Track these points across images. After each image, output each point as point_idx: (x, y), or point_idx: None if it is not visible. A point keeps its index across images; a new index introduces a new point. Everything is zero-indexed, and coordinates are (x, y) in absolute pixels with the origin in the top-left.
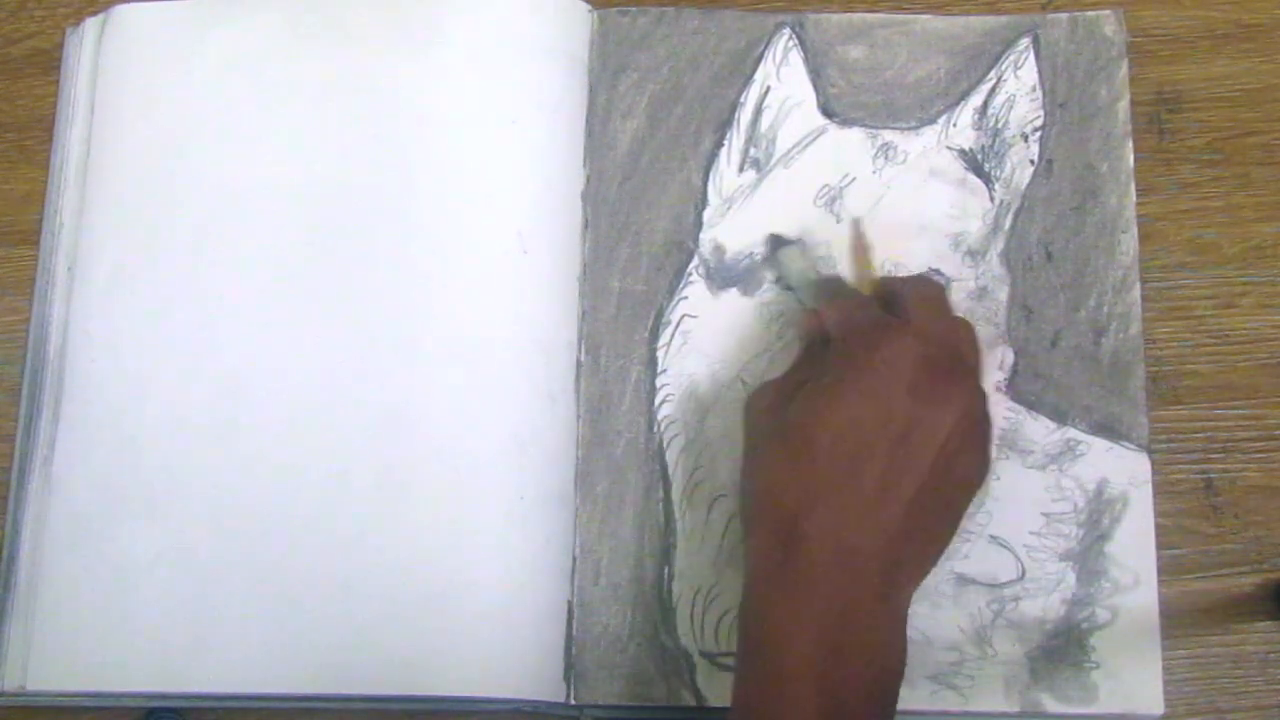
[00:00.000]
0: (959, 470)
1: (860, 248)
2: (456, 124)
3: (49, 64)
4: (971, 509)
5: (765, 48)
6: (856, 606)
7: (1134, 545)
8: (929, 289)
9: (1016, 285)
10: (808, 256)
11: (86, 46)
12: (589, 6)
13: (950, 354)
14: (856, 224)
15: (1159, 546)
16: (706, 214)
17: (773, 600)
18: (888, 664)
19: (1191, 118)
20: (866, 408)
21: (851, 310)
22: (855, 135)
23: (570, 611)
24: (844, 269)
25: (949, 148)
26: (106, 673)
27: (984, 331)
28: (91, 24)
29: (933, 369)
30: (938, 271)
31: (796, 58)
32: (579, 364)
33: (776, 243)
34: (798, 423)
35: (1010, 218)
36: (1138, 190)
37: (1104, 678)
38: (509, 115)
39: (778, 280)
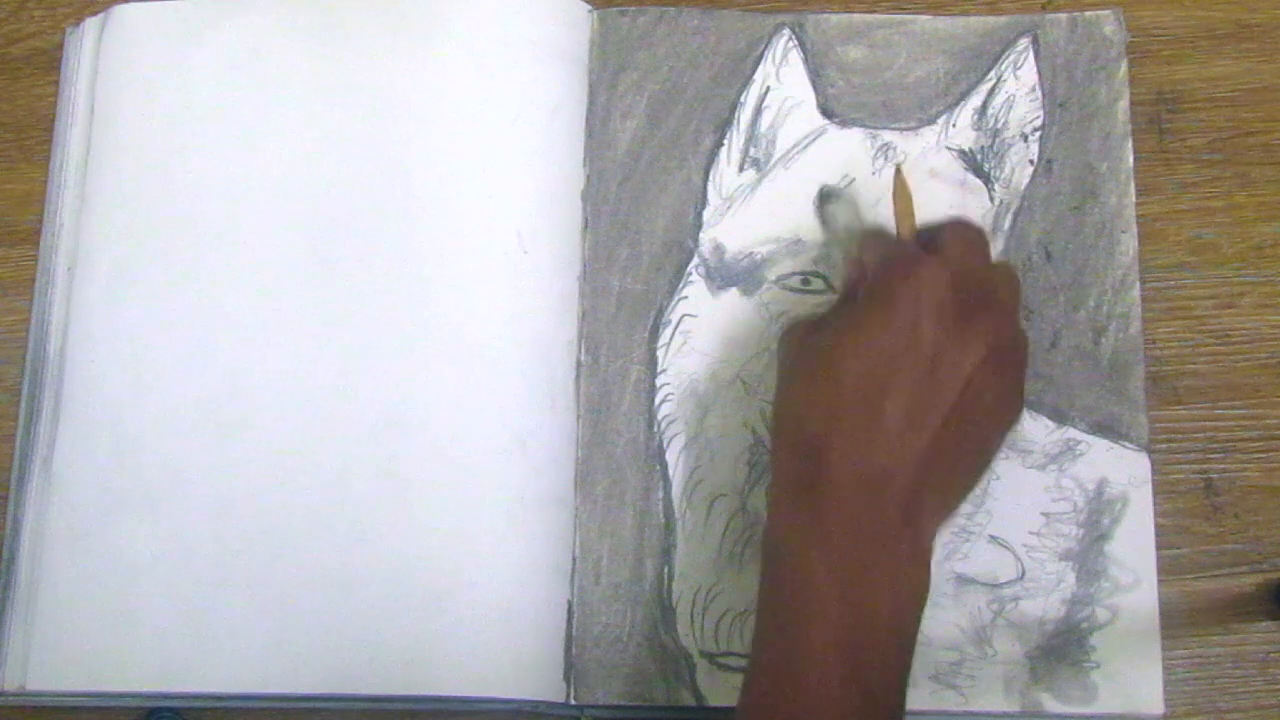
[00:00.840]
0: (987, 402)
1: (901, 195)
2: (456, 124)
3: (49, 64)
4: (971, 509)
5: (765, 48)
6: (879, 530)
7: (1134, 545)
8: (968, 230)
9: None
10: (855, 209)
11: (86, 46)
12: (589, 6)
13: (981, 288)
14: (898, 171)
15: (1159, 546)
16: (706, 214)
17: (797, 525)
18: (910, 590)
19: (1191, 118)
20: (894, 336)
21: (888, 247)
22: (855, 135)
23: (570, 611)
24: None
25: (949, 148)
26: (106, 673)
27: None
28: (91, 24)
29: (963, 301)
30: None
31: (796, 58)
32: (579, 364)
33: (826, 195)
34: (825, 349)
35: (1010, 218)
36: (1138, 190)
37: (1104, 678)
38: (509, 115)
39: (825, 233)
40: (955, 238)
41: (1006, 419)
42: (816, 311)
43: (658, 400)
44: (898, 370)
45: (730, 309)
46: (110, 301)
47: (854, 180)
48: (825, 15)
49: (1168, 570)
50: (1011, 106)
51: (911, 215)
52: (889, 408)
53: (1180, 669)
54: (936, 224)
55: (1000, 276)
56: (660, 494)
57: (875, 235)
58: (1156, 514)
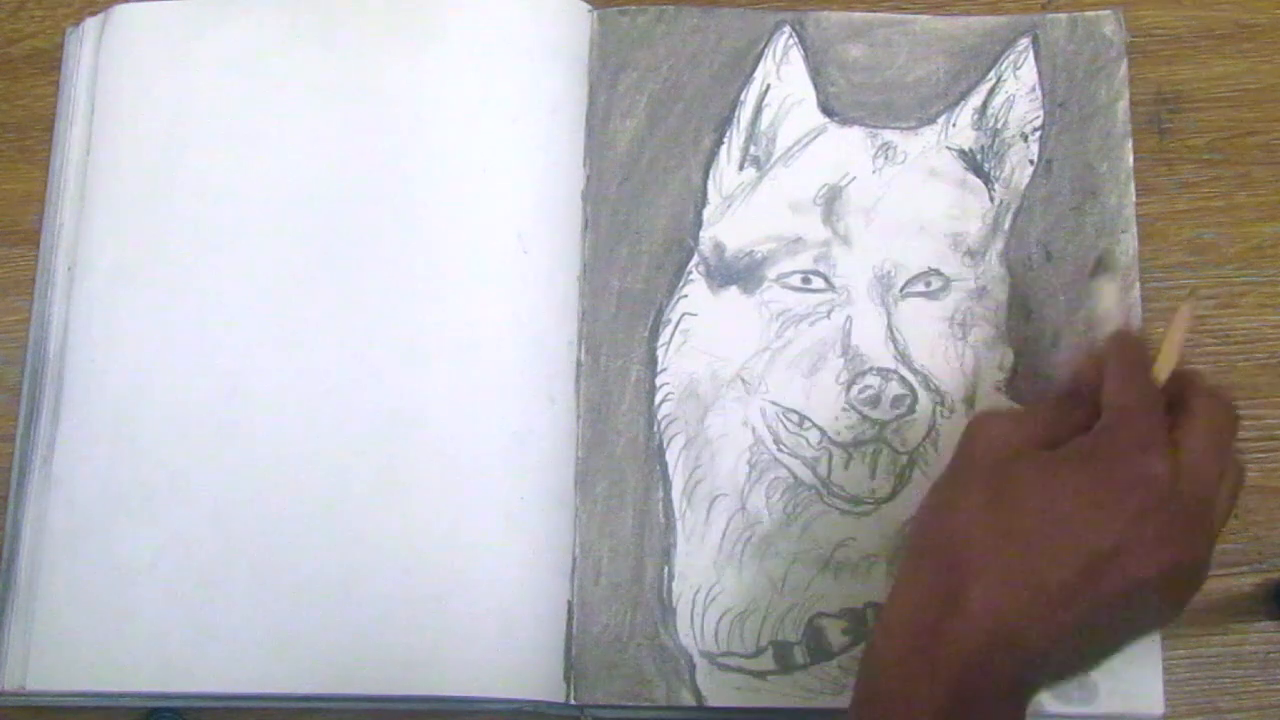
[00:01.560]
0: (1140, 611)
1: (1177, 330)
2: (456, 124)
3: (49, 64)
4: None
5: (765, 46)
6: (990, 690)
7: None
8: (1223, 415)
9: (1016, 285)
10: (1121, 295)
11: (86, 46)
12: (589, 6)
13: (1199, 499)
14: (1192, 301)
15: None
16: (706, 212)
17: (913, 647)
18: None
19: (1191, 118)
20: (1087, 510)
21: (1136, 395)
22: (855, 134)
23: (570, 611)
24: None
25: (949, 148)
26: (106, 673)
27: (984, 332)
28: (91, 24)
29: (1174, 507)
30: (936, 271)
31: (797, 56)
32: (579, 364)
33: (1100, 266)
34: (1017, 486)
35: (1010, 218)
36: (1138, 190)
37: (1104, 678)
38: (509, 115)
39: (1085, 304)
40: (1210, 423)
41: (1149, 627)
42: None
43: (658, 400)
44: (1076, 545)
45: (731, 308)
46: (110, 301)
47: (854, 179)
48: (826, 13)
49: None
50: (1011, 106)
51: (1177, 357)
52: (1050, 577)
53: (1180, 669)
54: (1195, 382)
55: (1229, 482)
56: (660, 494)
57: (1129, 358)
58: None
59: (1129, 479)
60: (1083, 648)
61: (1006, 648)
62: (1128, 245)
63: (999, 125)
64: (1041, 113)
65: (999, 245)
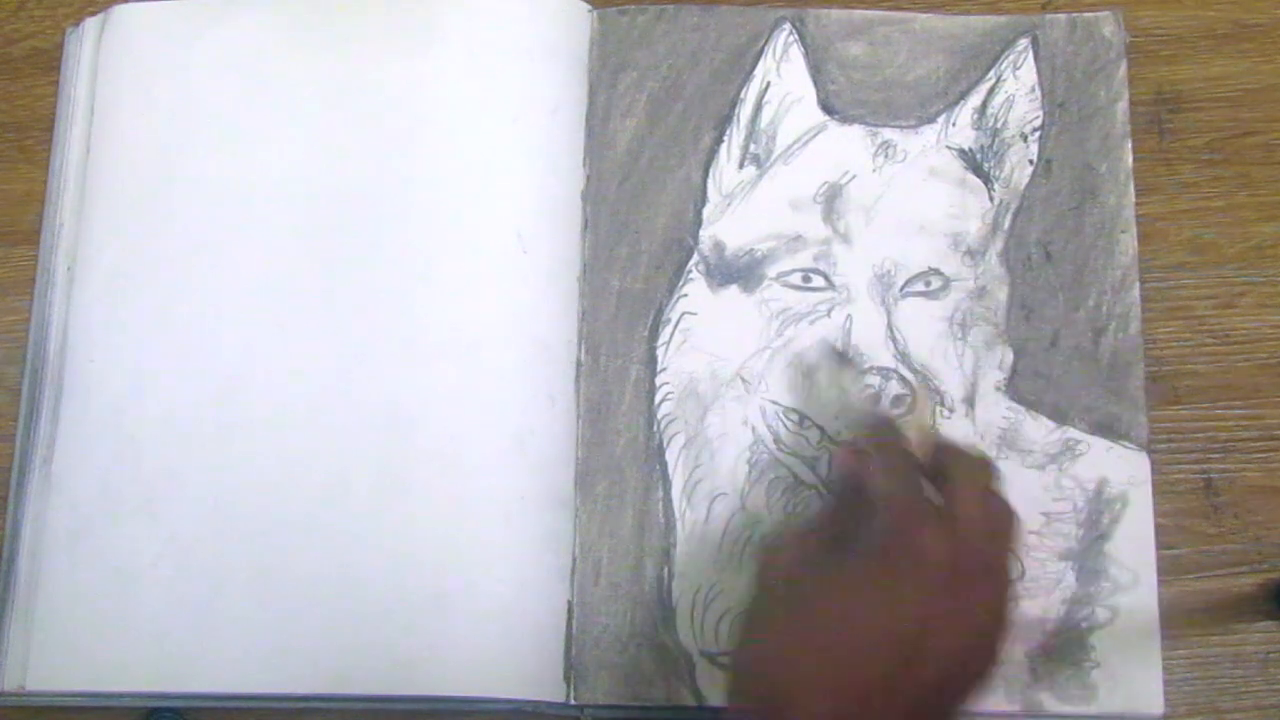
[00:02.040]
0: (966, 672)
1: (923, 405)
2: (456, 124)
3: (49, 64)
4: None
5: (765, 43)
6: None
7: (1134, 545)
8: (980, 475)
9: (1016, 285)
10: (854, 379)
11: (86, 46)
12: (589, 6)
13: (981, 556)
14: (924, 387)
15: (1159, 546)
16: (706, 211)
17: None
18: None
19: (1191, 118)
20: (885, 601)
21: (898, 482)
22: (855, 132)
23: (570, 611)
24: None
25: (948, 147)
26: (106, 673)
27: (984, 332)
28: (91, 24)
29: (959, 573)
30: (936, 271)
31: (797, 53)
32: (579, 364)
33: (831, 357)
34: (813, 598)
35: (1009, 217)
36: (1138, 190)
37: (1104, 678)
38: (509, 115)
39: (817, 393)
40: (969, 484)
41: (980, 685)
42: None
43: (658, 400)
44: (883, 641)
45: (730, 306)
46: (110, 301)
47: (854, 177)
48: (826, 11)
49: (1168, 570)
50: (1011, 106)
51: (927, 423)
52: (868, 676)
53: (1180, 669)
54: (949, 452)
55: (1001, 529)
56: (660, 494)
57: (887, 449)
58: (1156, 514)
59: (912, 560)
60: None
61: None
62: (1128, 245)
63: (999, 125)
64: (1041, 113)
65: (999, 245)
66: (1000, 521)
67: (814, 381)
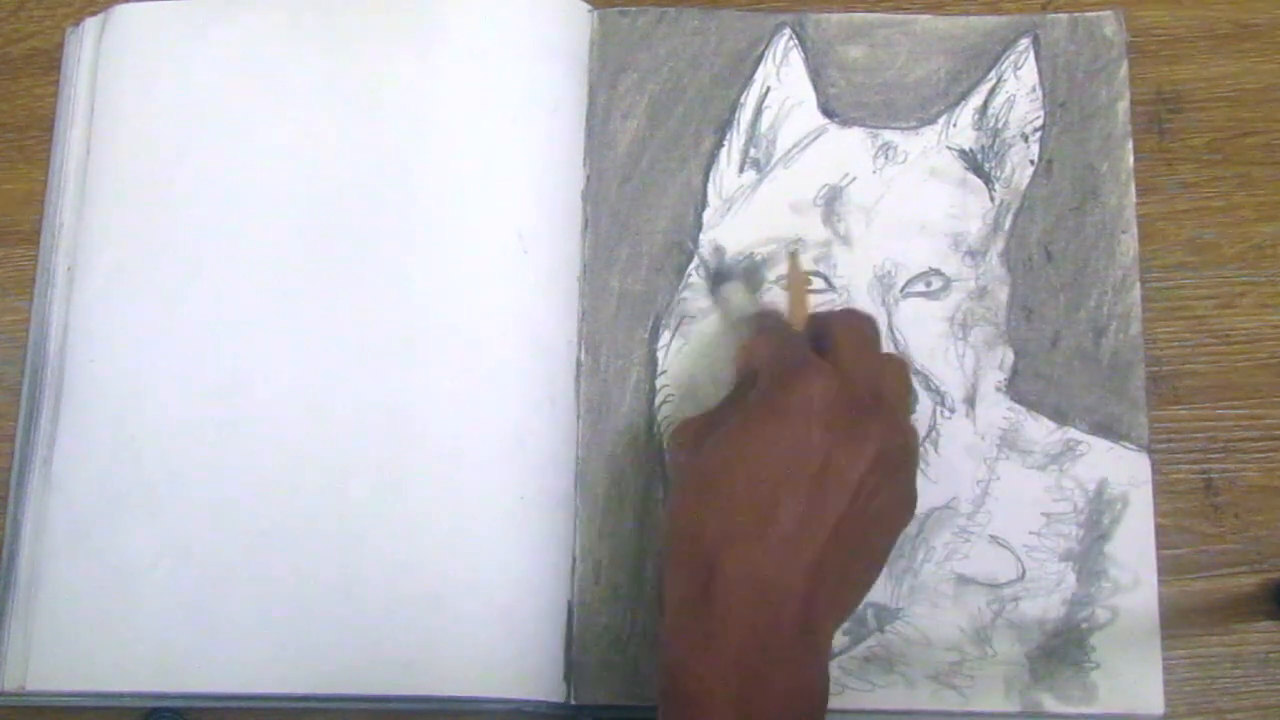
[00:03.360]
0: (879, 505)
1: (796, 282)
2: (456, 124)
3: (49, 64)
4: (971, 509)
5: (765, 48)
6: (775, 642)
7: (1134, 545)
8: (857, 323)
9: (1016, 285)
10: (748, 293)
11: (86, 46)
12: (589, 6)
13: (871, 390)
14: (794, 257)
15: (1159, 546)
16: (706, 215)
17: (692, 638)
18: (810, 698)
19: (1191, 118)
20: (782, 444)
21: (778, 346)
22: (855, 135)
23: (570, 611)
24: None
25: (949, 148)
26: (106, 673)
27: (984, 332)
28: (91, 24)
29: (850, 406)
30: (936, 271)
31: (797, 57)
32: (579, 364)
33: (718, 277)
34: (714, 460)
35: (1010, 218)
36: (1138, 190)
37: (1104, 678)
38: (509, 115)
39: (719, 317)
40: (846, 334)
41: (899, 519)
42: (705, 405)
43: (658, 401)
44: (786, 480)
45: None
46: (110, 301)
47: (855, 179)
48: (826, 15)
49: (1168, 570)
50: (1012, 106)
51: (805, 303)
52: (781, 517)
53: (1180, 669)
54: (827, 315)
55: (890, 372)
56: (660, 494)
57: (768, 326)
58: (1156, 514)
59: (802, 399)
60: (839, 568)
61: (774, 596)
62: (1128, 245)
63: (999, 125)
64: (1042, 113)
65: (999, 245)
66: (886, 362)
67: (727, 308)
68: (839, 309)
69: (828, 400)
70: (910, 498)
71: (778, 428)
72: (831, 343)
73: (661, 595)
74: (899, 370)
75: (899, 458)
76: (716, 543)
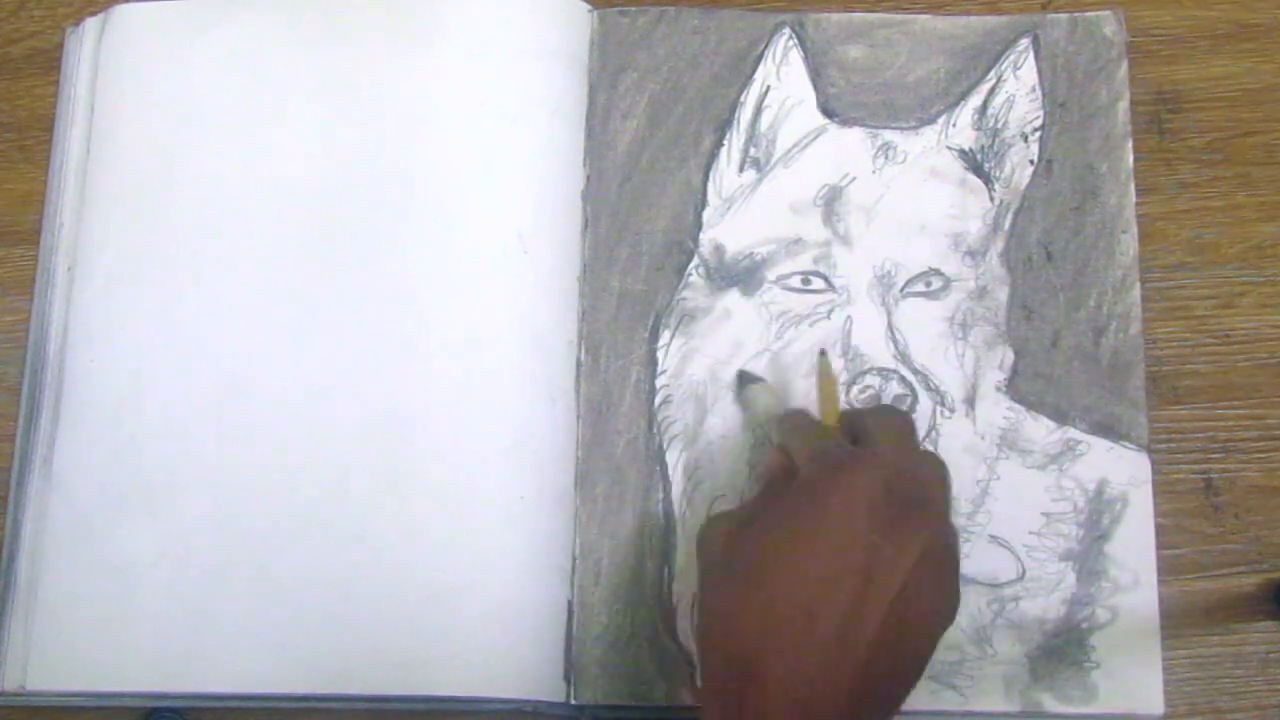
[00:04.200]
0: (922, 607)
1: (826, 380)
2: (456, 124)
3: (49, 64)
4: (971, 509)
5: (765, 47)
6: None
7: (1134, 545)
8: (895, 419)
9: (1016, 285)
10: (774, 394)
11: (86, 46)
12: (589, 6)
13: (915, 486)
14: (823, 356)
15: (1159, 546)
16: (706, 214)
17: None
18: None
19: (1191, 118)
20: (827, 538)
21: (815, 442)
22: (855, 135)
23: (570, 611)
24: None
25: (949, 148)
26: (106, 673)
27: (984, 332)
28: (91, 24)
29: (894, 502)
30: (936, 271)
31: (796, 57)
32: (579, 364)
33: (744, 379)
34: (753, 555)
35: (1010, 218)
36: (1138, 190)
37: (1104, 678)
38: (509, 115)
39: (744, 418)
40: (884, 429)
41: (943, 620)
42: (736, 485)
43: (658, 401)
44: (829, 580)
45: (731, 309)
46: (110, 301)
47: (855, 179)
48: (826, 14)
49: (1168, 570)
50: (1012, 106)
51: (836, 400)
52: (823, 622)
53: (1180, 669)
54: (861, 411)
55: (929, 468)
56: (660, 494)
57: (799, 424)
58: (1156, 514)
59: (847, 492)
60: (883, 673)
61: (815, 706)
62: (1128, 245)
63: (999, 125)
64: (1042, 113)
65: (999, 245)
66: (927, 460)
67: (752, 410)
68: (874, 405)
69: (873, 493)
70: (954, 598)
71: (820, 524)
72: (870, 438)
73: (695, 692)
74: (939, 467)
75: (944, 555)
76: (754, 645)
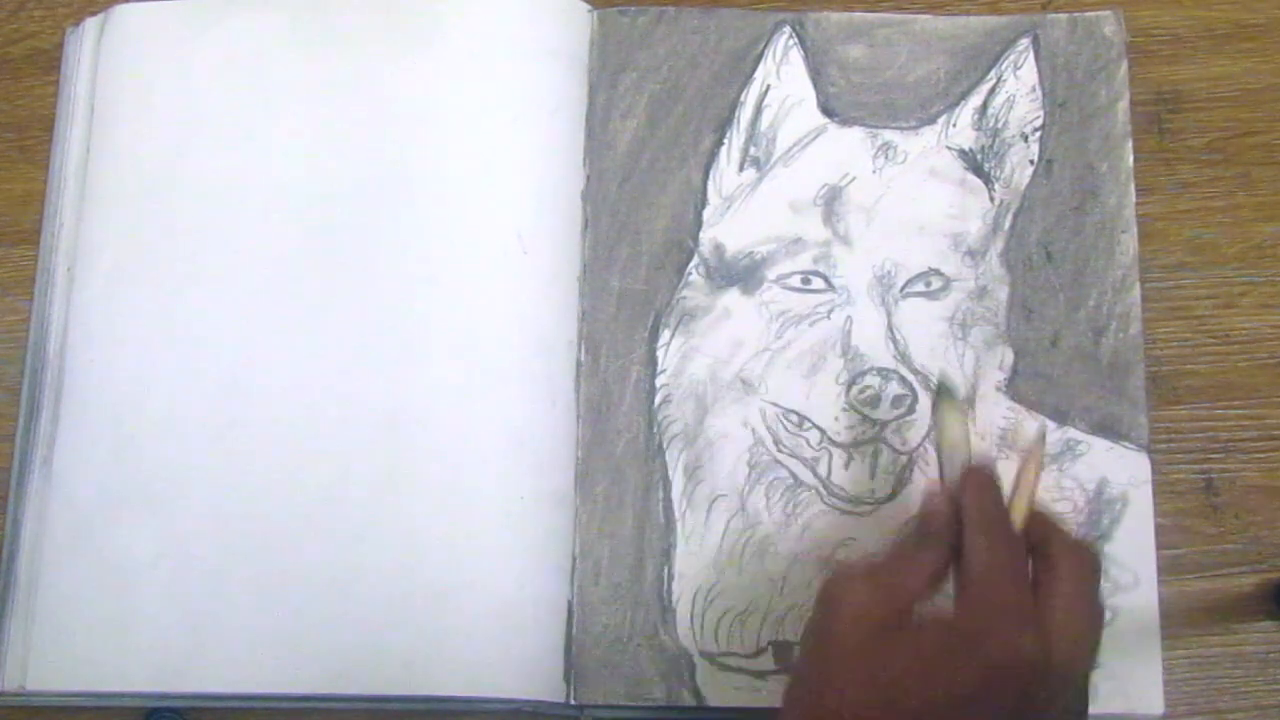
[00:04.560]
0: None
1: (1033, 464)
2: (456, 124)
3: (49, 64)
4: None
5: (765, 46)
6: None
7: (1134, 545)
8: (1086, 562)
9: (1016, 285)
10: (966, 423)
11: (86, 46)
12: (589, 6)
13: (1074, 667)
14: (1041, 437)
15: (1159, 546)
16: (706, 213)
17: None
18: None
19: (1191, 118)
20: (968, 699)
21: (1001, 555)
22: (855, 134)
23: (570, 611)
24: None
25: (949, 148)
26: (106, 673)
27: (984, 332)
28: (91, 24)
29: (1045, 685)
30: (936, 271)
31: (796, 56)
32: (579, 364)
33: (943, 392)
34: (889, 669)
35: (1010, 218)
36: (1138, 190)
37: (1104, 678)
38: (509, 115)
39: (936, 435)
40: (1069, 570)
41: None
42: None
43: (658, 401)
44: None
45: (730, 309)
46: (110, 301)
47: (854, 179)
48: (826, 14)
49: (1168, 570)
50: (1012, 106)
51: (1034, 498)
52: None
53: (1180, 669)
54: (1054, 529)
55: (1095, 632)
56: (660, 494)
57: (986, 508)
58: (1156, 514)
59: (1003, 659)
60: None
61: None
62: (1128, 245)
63: (999, 125)
64: (1042, 113)
65: (999, 245)
66: (1095, 626)
67: (939, 430)
68: (1068, 532)
69: (1031, 669)
70: None
71: (966, 678)
72: (1052, 584)
73: None
74: (1099, 632)
75: None
76: None
